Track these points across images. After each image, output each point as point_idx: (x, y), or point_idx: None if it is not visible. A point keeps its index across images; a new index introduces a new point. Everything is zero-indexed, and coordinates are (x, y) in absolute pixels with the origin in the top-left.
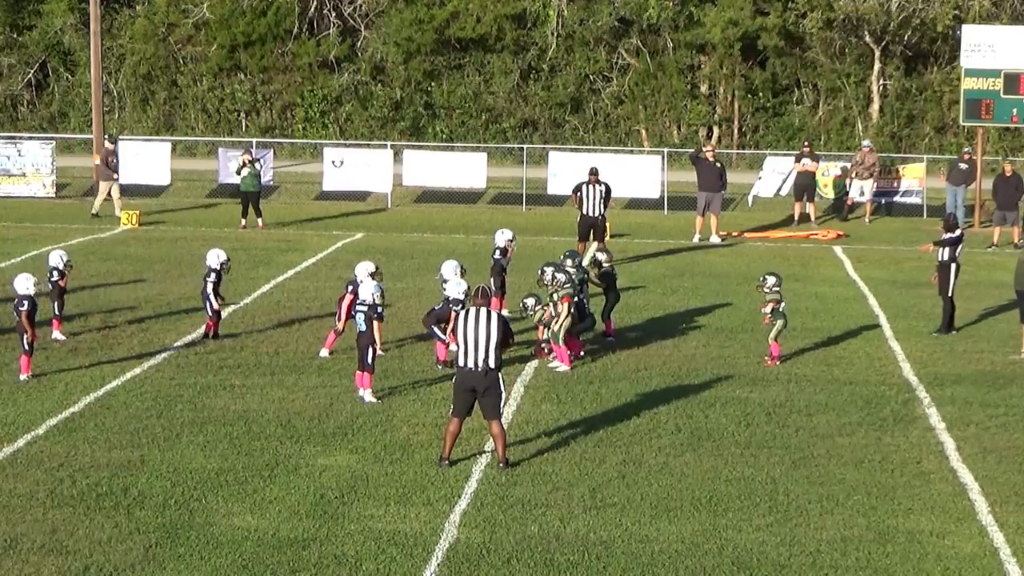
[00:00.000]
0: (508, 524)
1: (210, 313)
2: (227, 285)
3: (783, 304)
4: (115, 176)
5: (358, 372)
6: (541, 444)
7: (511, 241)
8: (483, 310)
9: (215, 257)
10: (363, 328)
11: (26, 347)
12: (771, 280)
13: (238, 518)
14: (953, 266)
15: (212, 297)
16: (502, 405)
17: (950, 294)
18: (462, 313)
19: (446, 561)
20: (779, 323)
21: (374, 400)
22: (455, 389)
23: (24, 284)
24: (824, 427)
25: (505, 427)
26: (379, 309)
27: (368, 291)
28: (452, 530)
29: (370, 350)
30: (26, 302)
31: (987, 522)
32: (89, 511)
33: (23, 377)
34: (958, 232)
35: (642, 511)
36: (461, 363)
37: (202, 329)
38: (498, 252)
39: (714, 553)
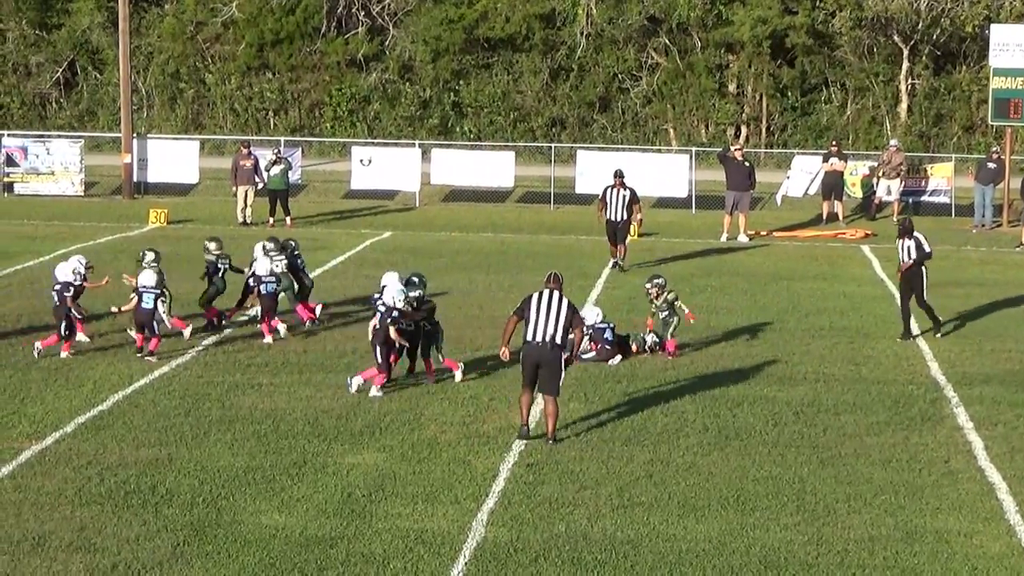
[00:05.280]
0: (535, 523)
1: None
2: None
3: (678, 301)
4: (257, 181)
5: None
6: (569, 443)
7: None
8: (555, 292)
9: (149, 277)
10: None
11: (63, 332)
12: (659, 280)
13: (266, 516)
14: (923, 270)
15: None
16: (560, 383)
17: (924, 297)
18: (534, 294)
19: (473, 560)
20: (675, 320)
21: (379, 394)
22: (522, 363)
23: (66, 271)
24: (852, 426)
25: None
26: (395, 313)
27: (390, 294)
28: (480, 529)
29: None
30: (72, 288)
31: (1015, 521)
32: (117, 509)
33: (63, 354)
34: (919, 237)
35: (669, 510)
36: (528, 337)
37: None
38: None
39: (741, 552)
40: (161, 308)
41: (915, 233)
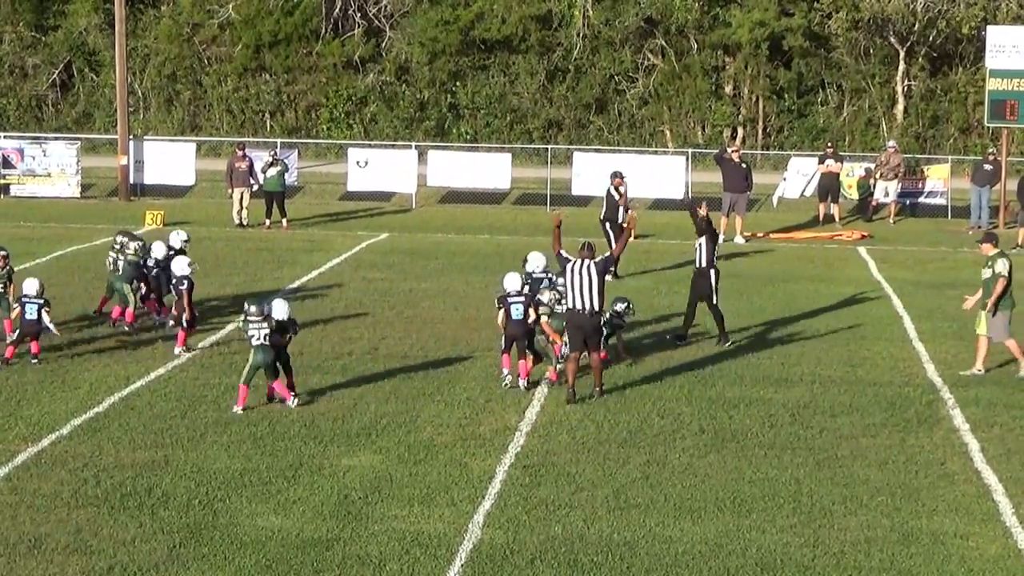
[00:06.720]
0: (532, 525)
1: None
2: (252, 286)
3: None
4: (253, 183)
5: (521, 361)
6: (565, 445)
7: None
8: (586, 261)
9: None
10: (520, 316)
11: (184, 324)
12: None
13: (262, 518)
14: (712, 272)
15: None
16: (602, 341)
17: (715, 302)
18: (570, 262)
19: (470, 562)
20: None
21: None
22: (568, 328)
23: (182, 265)
24: (848, 428)
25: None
26: (536, 298)
27: (516, 284)
28: (476, 531)
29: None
30: (185, 281)
31: (1011, 523)
32: (113, 511)
33: (177, 350)
34: (706, 239)
35: (666, 512)
36: (571, 305)
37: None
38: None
39: (738, 554)
40: (46, 318)
41: (712, 233)
